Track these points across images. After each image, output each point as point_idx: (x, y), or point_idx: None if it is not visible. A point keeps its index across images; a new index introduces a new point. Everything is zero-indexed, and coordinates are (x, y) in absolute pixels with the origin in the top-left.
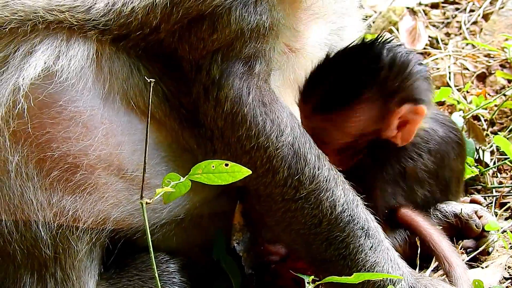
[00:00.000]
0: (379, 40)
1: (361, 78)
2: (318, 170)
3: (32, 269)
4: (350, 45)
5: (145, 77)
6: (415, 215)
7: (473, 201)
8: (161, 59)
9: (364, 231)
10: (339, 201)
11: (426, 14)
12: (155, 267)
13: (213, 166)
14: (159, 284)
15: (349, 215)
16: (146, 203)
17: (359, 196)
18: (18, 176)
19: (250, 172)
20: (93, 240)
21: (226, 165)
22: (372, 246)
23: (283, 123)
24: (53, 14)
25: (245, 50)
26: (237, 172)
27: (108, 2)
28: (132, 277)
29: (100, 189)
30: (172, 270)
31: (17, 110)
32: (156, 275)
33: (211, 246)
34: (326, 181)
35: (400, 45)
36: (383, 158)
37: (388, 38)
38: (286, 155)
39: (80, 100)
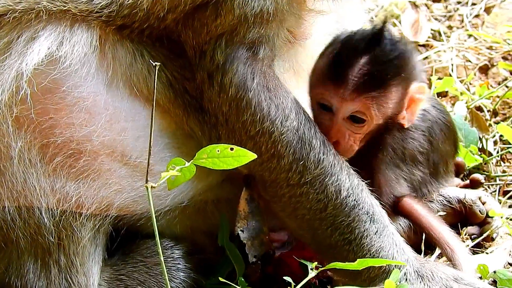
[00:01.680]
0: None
1: (396, 62)
2: (323, 155)
3: (35, 255)
4: (370, 28)
5: (151, 61)
6: (415, 204)
7: (473, 180)
8: (165, 45)
9: (369, 216)
10: (344, 186)
11: (428, 8)
12: (161, 252)
13: (218, 151)
14: (165, 270)
15: (354, 199)
16: (152, 187)
17: (363, 182)
18: (21, 162)
19: (256, 156)
20: (97, 226)
21: (231, 149)
22: (377, 231)
23: (288, 108)
24: (56, 5)
25: (249, 35)
26: (242, 156)
27: None
28: (136, 263)
29: (103, 175)
30: (177, 256)
31: (20, 95)
32: (162, 260)
33: (216, 232)
34: (331, 166)
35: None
36: (386, 142)
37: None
38: (291, 140)
39: (84, 86)
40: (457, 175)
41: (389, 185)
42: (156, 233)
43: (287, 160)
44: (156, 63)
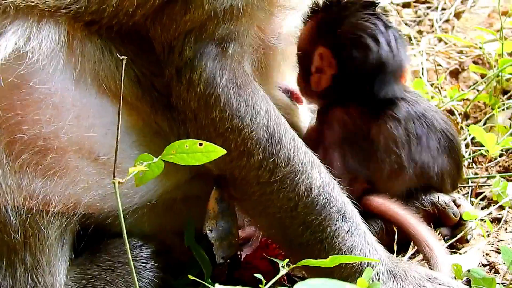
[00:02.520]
0: None
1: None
2: (294, 152)
3: (0, 254)
4: None
5: (118, 54)
6: (387, 202)
7: None
8: (134, 41)
9: (340, 215)
10: (315, 183)
11: (398, 13)
12: (129, 251)
13: (186, 146)
14: (133, 269)
15: (325, 198)
16: (119, 183)
17: (335, 180)
18: None
19: (225, 151)
20: (64, 225)
21: (200, 144)
22: (349, 229)
23: (258, 105)
24: (24, 0)
25: (218, 31)
26: (212, 151)
27: None
28: (104, 262)
29: (71, 172)
30: (145, 256)
31: None
32: (130, 259)
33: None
34: (301, 163)
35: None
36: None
37: None
38: (260, 138)
39: (51, 82)
40: None
41: (343, 159)
42: (124, 231)
43: (257, 158)
44: (123, 57)
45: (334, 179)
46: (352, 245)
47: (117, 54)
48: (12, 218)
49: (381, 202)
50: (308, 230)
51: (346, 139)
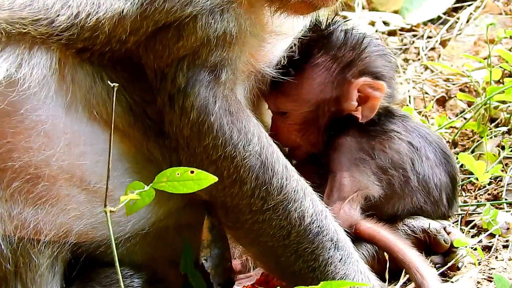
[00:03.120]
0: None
1: (313, 44)
2: (286, 180)
3: None
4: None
5: (109, 82)
6: (380, 228)
7: None
8: (126, 68)
9: (333, 243)
10: (307, 212)
11: (383, 41)
12: (121, 280)
13: (178, 174)
14: None
15: (318, 226)
16: (110, 211)
17: (327, 208)
18: None
19: (216, 179)
20: (55, 254)
21: (192, 172)
22: (341, 258)
23: (250, 132)
24: (16, 27)
25: (211, 58)
26: (203, 179)
27: (71, 14)
28: None
29: (62, 201)
30: (137, 285)
31: None
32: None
33: (177, 260)
34: (294, 191)
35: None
36: (345, 142)
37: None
38: (253, 165)
39: (42, 109)
40: None
41: (354, 178)
42: (116, 260)
43: (249, 186)
44: (114, 84)
45: (327, 207)
46: (345, 273)
47: (108, 82)
48: (3, 247)
49: (371, 226)
50: (300, 259)
51: (353, 160)
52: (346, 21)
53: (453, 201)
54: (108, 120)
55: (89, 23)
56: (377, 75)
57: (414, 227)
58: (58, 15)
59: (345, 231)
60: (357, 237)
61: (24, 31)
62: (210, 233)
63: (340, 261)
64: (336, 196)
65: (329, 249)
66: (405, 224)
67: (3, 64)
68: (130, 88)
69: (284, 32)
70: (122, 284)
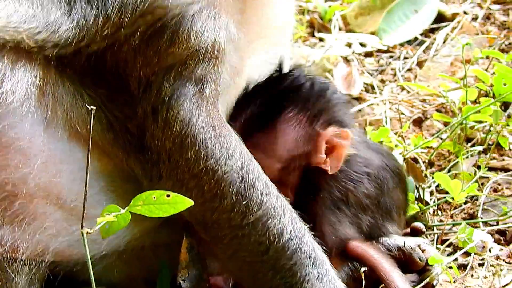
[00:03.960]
0: (296, 69)
1: (281, 98)
2: (266, 196)
3: None
4: (271, 74)
5: (87, 105)
6: (366, 247)
7: (413, 229)
8: (106, 84)
9: (311, 260)
10: (286, 228)
11: (360, 62)
12: None
13: (154, 197)
14: None
15: (297, 243)
16: (87, 233)
17: (306, 225)
18: None
19: (192, 203)
20: (33, 271)
21: (168, 196)
22: (319, 275)
23: (232, 147)
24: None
25: (198, 71)
26: (179, 203)
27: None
28: None
29: (39, 219)
30: None
31: None
32: None
33: (153, 279)
34: (273, 208)
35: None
36: (320, 185)
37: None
38: (234, 180)
39: (21, 126)
40: None
41: (332, 228)
42: (92, 280)
43: (229, 200)
44: (92, 107)
45: (305, 225)
46: None
47: (86, 104)
48: None
49: (359, 245)
50: (278, 275)
51: (329, 209)
52: (307, 67)
53: (407, 212)
54: (88, 138)
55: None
56: (343, 123)
57: (390, 245)
58: (46, 26)
59: (329, 248)
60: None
61: (8, 43)
62: (188, 254)
63: (317, 279)
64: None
65: (306, 266)
66: (379, 243)
67: None
68: (111, 105)
69: (272, 41)
70: None
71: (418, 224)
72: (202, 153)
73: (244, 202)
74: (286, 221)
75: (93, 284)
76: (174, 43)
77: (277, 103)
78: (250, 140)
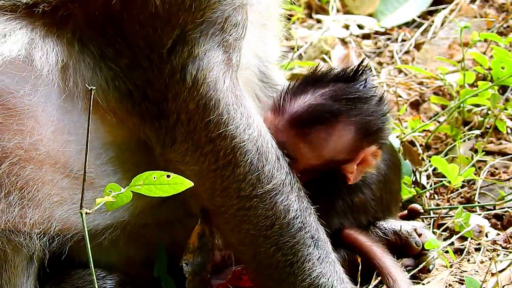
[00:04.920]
0: (367, 75)
1: (350, 102)
2: (277, 171)
3: None
4: (338, 68)
5: (86, 85)
6: (358, 234)
7: (410, 210)
8: (130, 50)
9: (313, 241)
10: (293, 206)
11: (357, 44)
12: (95, 280)
13: (154, 178)
14: None
15: (301, 222)
16: (86, 213)
17: (312, 206)
18: None
19: (192, 184)
20: (31, 252)
21: (168, 176)
22: (320, 256)
23: (251, 118)
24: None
25: (230, 38)
26: (179, 183)
27: None
28: None
29: (47, 185)
30: (109, 287)
31: None
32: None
33: (152, 262)
34: (283, 184)
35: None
36: (335, 191)
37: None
38: (250, 150)
39: (39, 95)
40: None
41: (331, 226)
42: (91, 260)
43: (242, 170)
44: (92, 87)
45: (312, 205)
46: (321, 272)
47: (86, 85)
48: None
49: (350, 232)
50: (280, 252)
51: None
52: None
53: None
54: (108, 108)
55: None
56: (382, 144)
57: (386, 229)
58: None
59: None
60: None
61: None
62: (199, 239)
63: (318, 260)
64: None
65: (309, 246)
66: (376, 227)
67: (17, 42)
68: (132, 73)
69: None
70: (96, 285)
71: (416, 206)
72: (224, 118)
73: (256, 173)
74: (293, 199)
75: (91, 262)
76: (221, 2)
77: (345, 105)
78: (301, 128)
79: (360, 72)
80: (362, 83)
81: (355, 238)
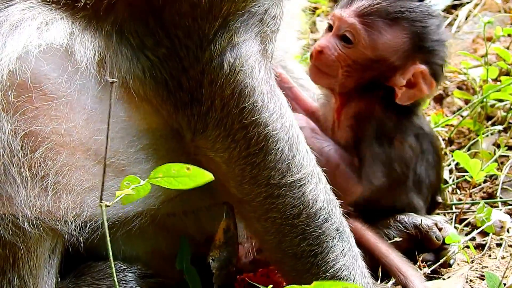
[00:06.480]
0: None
1: (416, 12)
2: (307, 162)
3: None
4: None
5: (107, 77)
6: (364, 229)
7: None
8: (169, 39)
9: (338, 233)
10: (320, 197)
11: None
12: (114, 273)
13: (173, 170)
14: None
15: (328, 213)
16: (106, 206)
17: (337, 200)
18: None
19: (212, 178)
20: (54, 245)
21: (188, 169)
22: (343, 249)
23: (284, 107)
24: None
25: (268, 29)
26: (199, 176)
27: None
28: (88, 286)
29: (79, 170)
30: (130, 279)
31: (21, 76)
32: (116, 281)
33: (173, 255)
34: (311, 175)
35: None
36: (377, 110)
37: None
38: (282, 138)
39: (75, 83)
40: None
41: (367, 155)
42: (110, 253)
43: (273, 157)
44: (113, 79)
45: (337, 199)
46: (344, 264)
47: (106, 78)
48: (4, 232)
49: (357, 226)
50: (305, 241)
51: (377, 139)
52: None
53: (436, 198)
54: (145, 97)
55: None
56: (436, 73)
57: (406, 223)
58: None
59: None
60: None
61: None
62: (224, 235)
63: (341, 252)
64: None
65: (333, 238)
66: (397, 220)
67: (57, 30)
68: (168, 63)
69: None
70: (115, 277)
71: (436, 197)
72: (259, 105)
73: (286, 162)
74: (321, 190)
75: (111, 258)
76: None
77: (409, 11)
78: (365, 16)
79: None
80: (430, 4)
81: (361, 234)
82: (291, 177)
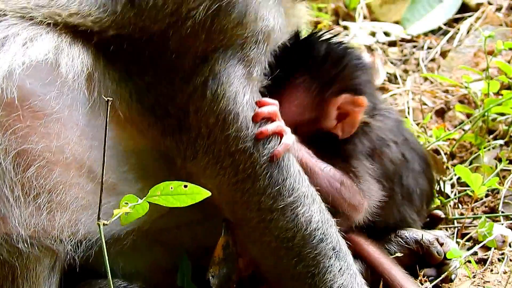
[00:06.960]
0: (316, 35)
1: (295, 64)
2: (298, 184)
3: None
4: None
5: (103, 96)
6: (367, 244)
7: (432, 216)
8: (153, 69)
9: (335, 252)
10: (314, 218)
11: (383, 52)
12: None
13: (171, 188)
14: None
15: (323, 233)
16: (104, 224)
17: (333, 219)
18: None
19: (209, 194)
20: (53, 262)
21: (185, 186)
22: (341, 268)
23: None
24: (61, 17)
25: (251, 53)
26: (196, 193)
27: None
28: None
29: (73, 188)
30: None
31: (9, 94)
32: None
33: (173, 271)
34: (304, 196)
35: (340, 41)
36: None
37: (327, 33)
38: (269, 164)
39: (66, 99)
40: None
41: (360, 170)
42: (108, 270)
43: (262, 183)
44: (108, 98)
45: (333, 218)
46: (342, 283)
47: (103, 96)
48: (4, 250)
49: (360, 240)
50: (302, 263)
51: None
52: (328, 31)
53: (431, 204)
54: (130, 118)
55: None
56: (357, 90)
57: (407, 238)
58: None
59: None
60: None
61: (69, 22)
62: (223, 251)
63: (339, 271)
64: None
65: (330, 258)
66: (398, 236)
67: (43, 46)
68: (154, 90)
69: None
70: None
71: (438, 212)
72: (243, 132)
73: (276, 187)
74: (315, 210)
75: (109, 275)
76: (241, 24)
77: (290, 68)
78: (275, 96)
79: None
80: (307, 43)
81: (363, 248)
82: (283, 201)
